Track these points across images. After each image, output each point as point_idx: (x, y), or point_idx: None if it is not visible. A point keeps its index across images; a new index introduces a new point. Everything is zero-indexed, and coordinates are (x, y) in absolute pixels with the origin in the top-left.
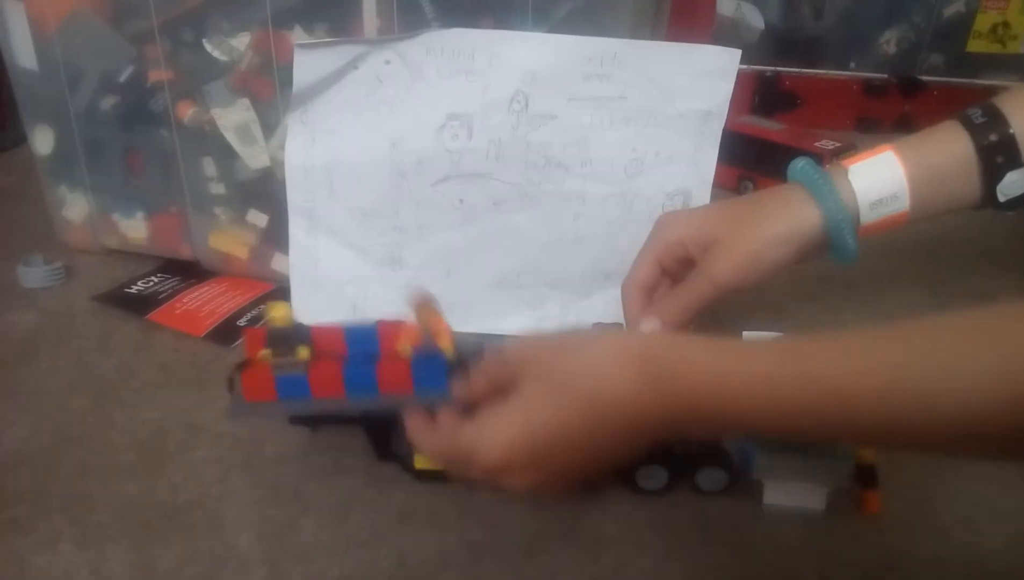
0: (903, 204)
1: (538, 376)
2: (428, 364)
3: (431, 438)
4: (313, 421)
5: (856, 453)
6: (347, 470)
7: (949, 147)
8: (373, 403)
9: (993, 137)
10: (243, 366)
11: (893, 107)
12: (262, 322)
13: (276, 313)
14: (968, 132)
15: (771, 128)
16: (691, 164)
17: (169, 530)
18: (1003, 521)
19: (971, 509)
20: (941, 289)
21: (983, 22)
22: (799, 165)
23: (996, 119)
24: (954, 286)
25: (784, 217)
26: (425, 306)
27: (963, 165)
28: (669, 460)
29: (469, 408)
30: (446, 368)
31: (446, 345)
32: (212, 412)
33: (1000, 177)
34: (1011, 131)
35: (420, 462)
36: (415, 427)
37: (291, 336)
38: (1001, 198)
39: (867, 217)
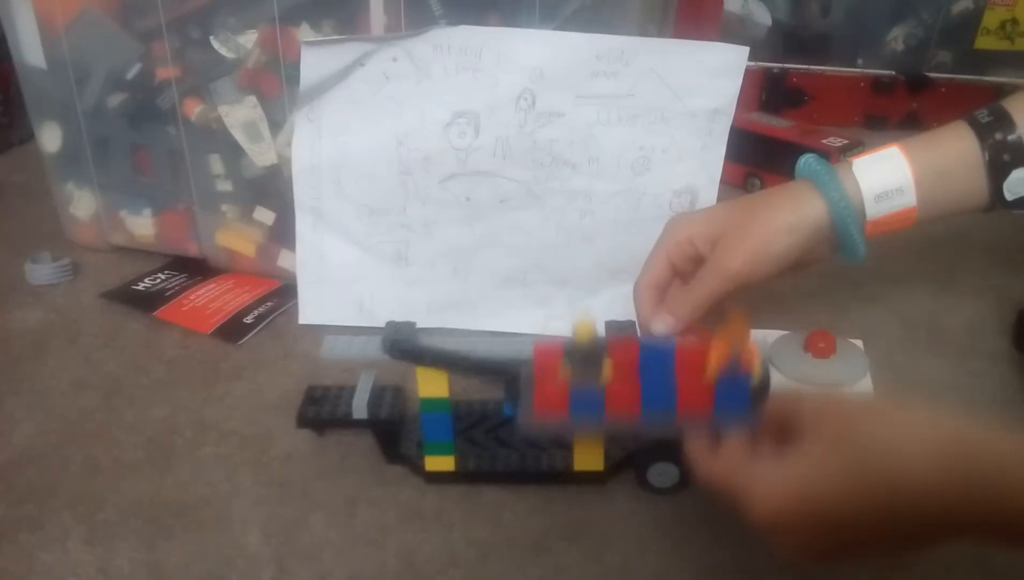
0: (909, 198)
1: (832, 442)
2: (732, 389)
3: (707, 464)
4: (322, 425)
5: None
6: (354, 468)
7: (955, 145)
8: (668, 425)
9: (999, 135)
10: (533, 380)
11: (901, 104)
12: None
13: (582, 332)
14: (974, 131)
15: (778, 125)
16: (698, 162)
17: (177, 528)
18: None
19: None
20: (950, 287)
21: (991, 19)
22: (805, 160)
23: (1002, 119)
24: (963, 284)
25: (790, 208)
26: (738, 324)
27: (969, 163)
28: (681, 457)
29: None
30: (750, 395)
31: (755, 369)
32: (220, 409)
33: (1006, 175)
34: (1017, 130)
35: (431, 464)
36: (697, 448)
37: (594, 354)
38: (1008, 196)
39: (873, 211)
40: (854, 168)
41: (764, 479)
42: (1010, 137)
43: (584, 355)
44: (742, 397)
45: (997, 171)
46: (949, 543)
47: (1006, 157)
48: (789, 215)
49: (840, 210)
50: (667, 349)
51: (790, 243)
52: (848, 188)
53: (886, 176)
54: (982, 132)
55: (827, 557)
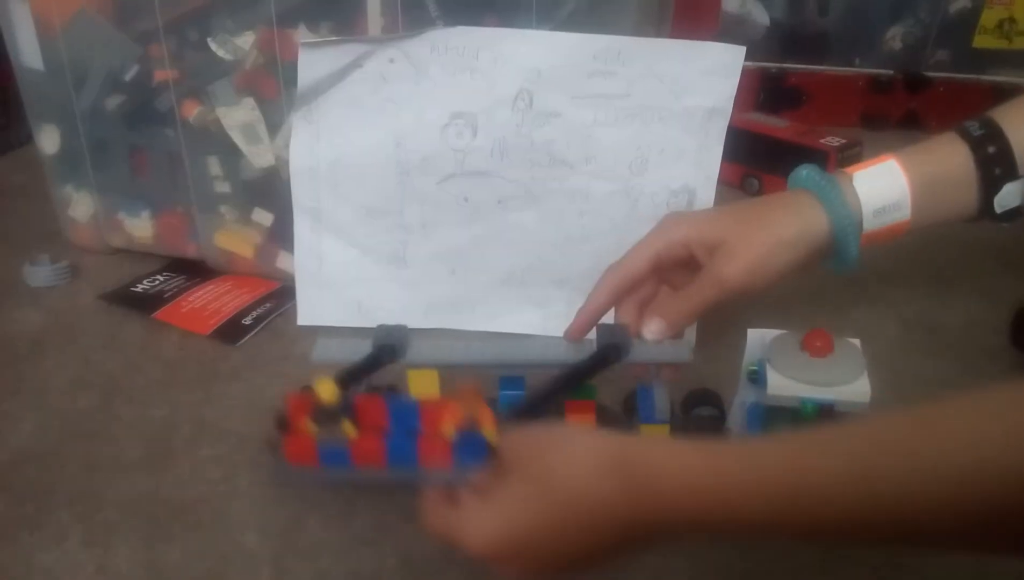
0: (905, 213)
1: (522, 475)
2: (469, 445)
3: (434, 516)
4: None
5: None
6: None
7: (949, 158)
8: (412, 477)
9: (991, 149)
10: (284, 430)
11: (899, 103)
12: (304, 389)
13: (324, 392)
14: (967, 144)
15: (776, 125)
16: (696, 161)
17: (175, 527)
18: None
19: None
20: (947, 286)
21: (989, 18)
22: (804, 172)
23: (994, 132)
24: (961, 283)
25: (792, 221)
26: (470, 393)
27: (963, 176)
28: None
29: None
30: (486, 450)
31: (488, 430)
32: (218, 410)
33: (998, 189)
34: (1008, 144)
35: None
36: (428, 502)
37: (337, 413)
38: (998, 209)
39: (870, 224)
40: (855, 181)
41: (473, 519)
42: (1001, 149)
43: (326, 414)
44: (479, 454)
45: (989, 185)
46: (636, 546)
47: (997, 171)
48: (792, 230)
49: (843, 226)
50: (412, 408)
51: (791, 257)
52: (850, 202)
53: (885, 191)
54: (974, 145)
55: (538, 574)
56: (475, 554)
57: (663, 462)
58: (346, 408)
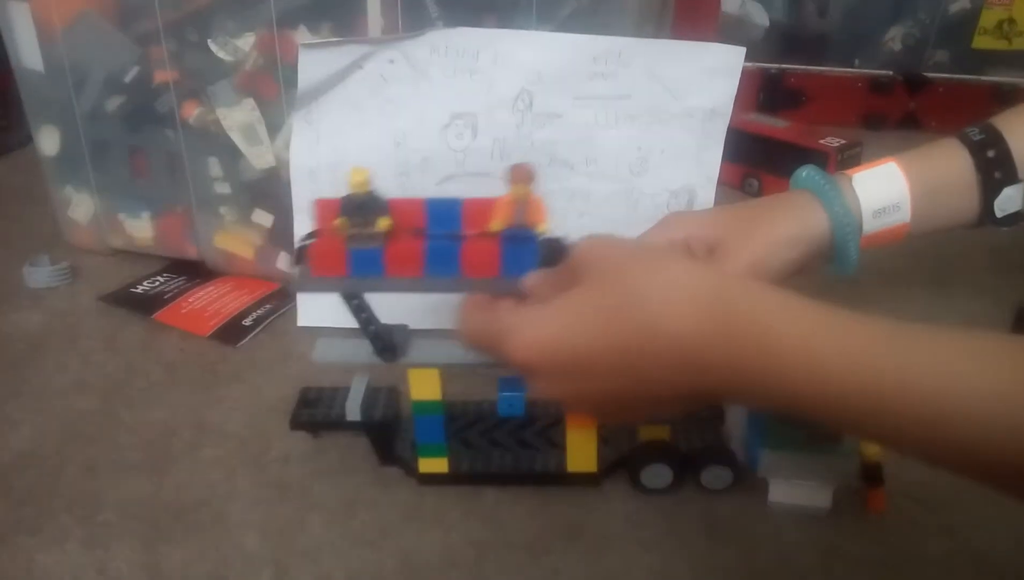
0: (904, 215)
1: (597, 283)
2: (519, 246)
3: (474, 318)
4: (315, 427)
5: (862, 451)
6: (353, 469)
7: (949, 162)
8: (452, 285)
9: (991, 153)
10: (313, 236)
11: (899, 104)
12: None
13: (356, 177)
14: (967, 148)
15: (776, 126)
16: (696, 162)
17: (176, 529)
18: (1010, 521)
19: (978, 508)
20: (947, 288)
21: (988, 18)
22: (804, 173)
23: (993, 136)
24: (960, 285)
25: (791, 221)
26: (524, 178)
27: (963, 180)
28: (674, 458)
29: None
30: (537, 253)
31: (541, 226)
32: (219, 411)
33: (997, 193)
34: (1008, 148)
35: (424, 466)
36: (471, 306)
37: (370, 205)
38: (998, 213)
39: (869, 226)
40: (854, 182)
41: (525, 321)
42: (1001, 154)
43: (360, 206)
44: (529, 257)
45: (989, 189)
46: (701, 399)
47: (997, 175)
48: (791, 228)
49: (842, 226)
50: (454, 204)
51: (790, 257)
52: (849, 202)
53: (885, 192)
54: (975, 150)
55: (579, 401)
56: (516, 360)
57: (778, 319)
58: (379, 202)
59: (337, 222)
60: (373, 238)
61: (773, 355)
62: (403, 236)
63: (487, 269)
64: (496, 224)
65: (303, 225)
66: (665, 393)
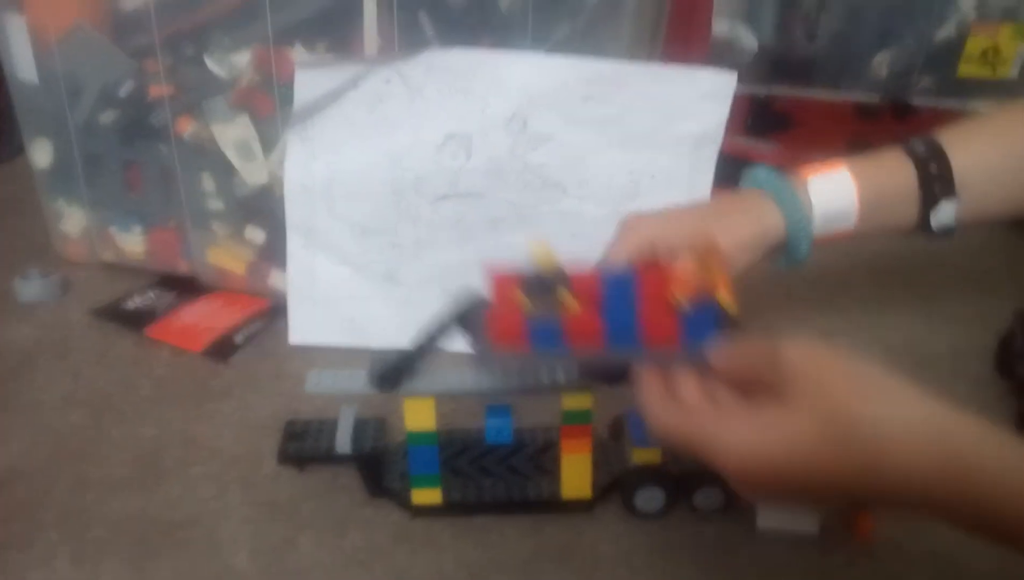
0: (850, 223)
1: (820, 407)
2: (702, 319)
3: (668, 412)
4: (305, 461)
5: None
6: (344, 489)
7: (896, 173)
8: (634, 357)
9: (933, 168)
10: (487, 308)
11: (886, 130)
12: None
13: (539, 252)
14: (912, 160)
15: (764, 150)
16: (687, 186)
17: (165, 546)
18: (995, 547)
19: (963, 535)
20: (932, 314)
21: (974, 46)
22: (762, 174)
23: (935, 151)
24: (945, 311)
25: (752, 223)
26: (709, 252)
27: (906, 191)
28: (666, 480)
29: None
30: (721, 327)
31: (727, 301)
32: (210, 428)
33: (935, 205)
34: (949, 164)
35: (418, 497)
36: (651, 390)
37: (551, 280)
38: (933, 224)
39: (818, 230)
40: (809, 186)
41: (738, 436)
42: (942, 169)
43: (542, 284)
44: (711, 326)
45: (928, 201)
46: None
47: (936, 189)
48: (753, 230)
49: (797, 229)
50: (629, 276)
51: (748, 260)
52: (804, 207)
53: (836, 200)
54: (918, 162)
55: (787, 501)
56: (727, 470)
57: (1000, 467)
58: (561, 276)
59: (518, 297)
60: (553, 314)
61: (988, 498)
62: (582, 309)
63: (668, 342)
64: (678, 297)
65: (295, 246)
66: (855, 498)
